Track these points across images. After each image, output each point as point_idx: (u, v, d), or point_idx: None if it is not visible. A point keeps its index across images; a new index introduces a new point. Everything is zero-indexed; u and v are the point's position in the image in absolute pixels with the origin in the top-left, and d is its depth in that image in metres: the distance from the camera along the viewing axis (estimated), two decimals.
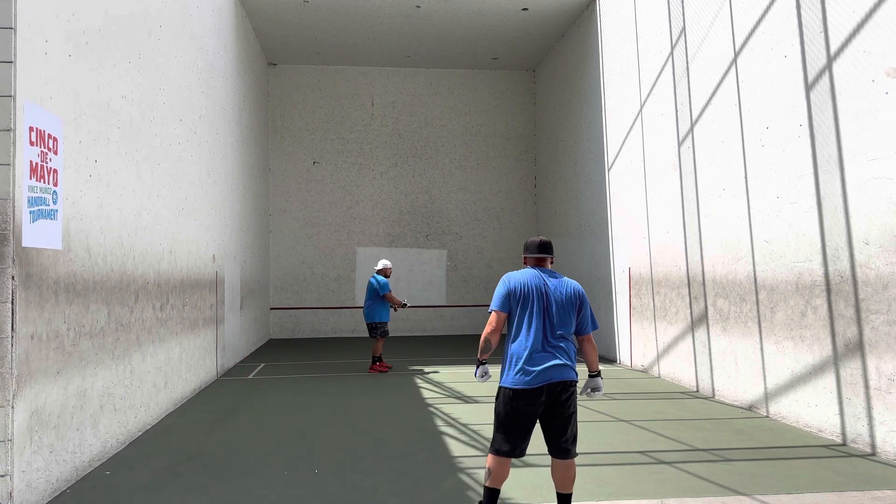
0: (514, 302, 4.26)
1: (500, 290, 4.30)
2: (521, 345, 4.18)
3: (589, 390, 4.48)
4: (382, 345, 11.73)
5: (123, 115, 6.79)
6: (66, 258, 5.41)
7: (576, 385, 4.23)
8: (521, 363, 4.13)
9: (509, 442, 4.17)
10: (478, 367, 4.44)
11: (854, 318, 6.48)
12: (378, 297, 11.36)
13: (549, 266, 4.50)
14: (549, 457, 4.33)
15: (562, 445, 4.21)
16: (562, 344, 4.20)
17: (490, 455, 4.26)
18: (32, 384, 4.85)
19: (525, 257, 4.53)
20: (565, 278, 4.40)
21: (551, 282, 4.32)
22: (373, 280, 11.46)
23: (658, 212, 10.87)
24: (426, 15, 14.61)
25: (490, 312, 4.32)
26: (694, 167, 9.64)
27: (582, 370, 4.67)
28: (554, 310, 4.22)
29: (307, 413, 8.32)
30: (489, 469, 4.24)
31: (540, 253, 4.47)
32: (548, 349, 4.15)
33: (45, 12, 5.14)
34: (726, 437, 6.90)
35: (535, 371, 4.10)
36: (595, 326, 4.39)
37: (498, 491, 4.28)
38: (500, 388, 4.24)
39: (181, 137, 9.00)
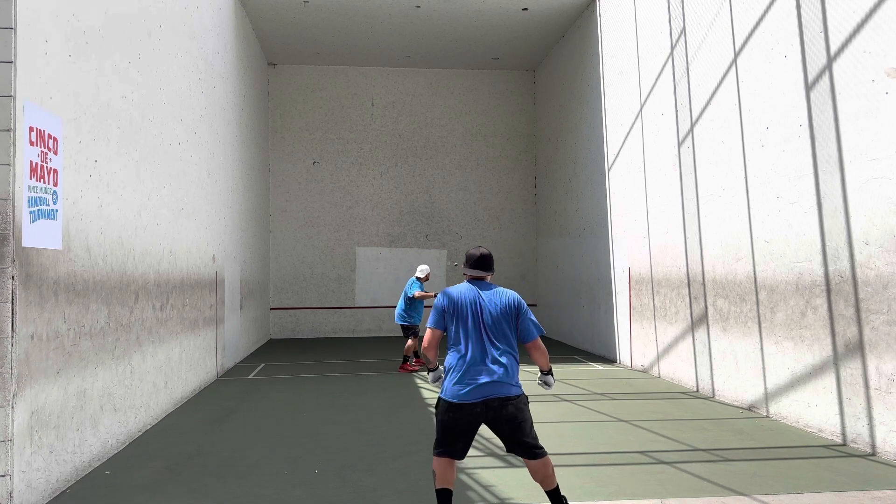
0: (450, 318, 4.29)
1: (435, 307, 4.35)
2: (457, 358, 4.20)
3: (541, 383, 4.56)
4: (413, 345, 11.83)
5: (123, 115, 6.79)
6: (66, 258, 5.41)
7: (518, 398, 4.20)
8: (457, 375, 4.16)
9: (447, 444, 4.22)
10: (430, 373, 4.48)
11: (854, 318, 6.48)
12: (409, 299, 11.63)
13: (488, 281, 4.50)
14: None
15: (526, 449, 4.23)
16: (501, 357, 4.19)
17: (434, 457, 4.30)
18: (32, 384, 4.85)
19: (464, 271, 4.54)
20: (501, 289, 4.39)
21: (486, 294, 4.32)
22: (408, 285, 11.76)
23: (658, 212, 10.87)
24: (426, 15, 14.61)
25: (427, 329, 4.40)
26: (694, 167, 9.64)
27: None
28: (490, 323, 4.23)
29: (307, 413, 8.32)
30: (433, 471, 4.28)
31: (477, 270, 4.48)
32: (485, 363, 4.16)
33: (45, 12, 5.14)
34: (726, 437, 6.90)
35: (470, 386, 4.12)
36: (539, 332, 4.36)
37: (449, 491, 4.28)
38: (439, 397, 4.28)
39: (181, 137, 9.00)
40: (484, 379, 4.12)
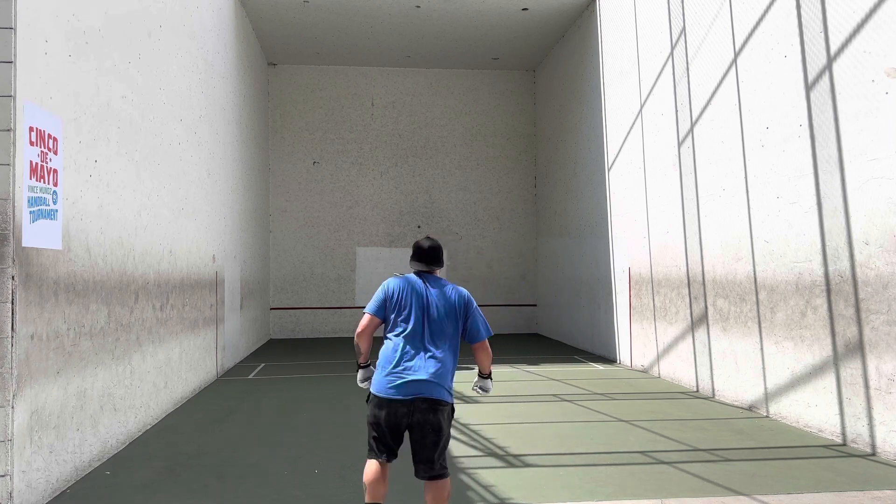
0: (392, 307, 3.98)
1: (377, 294, 4.05)
2: (393, 352, 3.90)
3: (477, 388, 4.27)
4: None
5: (123, 115, 6.79)
6: (66, 258, 5.41)
7: (447, 407, 3.91)
8: (389, 367, 3.86)
9: (377, 443, 3.93)
10: (358, 371, 4.17)
11: (854, 318, 6.48)
12: None
13: (438, 275, 4.17)
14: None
15: (430, 465, 3.87)
16: (439, 357, 3.89)
17: (366, 463, 3.99)
18: (32, 384, 4.85)
19: (411, 261, 4.19)
20: (451, 286, 4.08)
21: (434, 290, 4.01)
22: None
23: (658, 212, 10.87)
24: (426, 15, 14.61)
25: (364, 314, 4.07)
26: (694, 167, 9.64)
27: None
28: (433, 318, 3.93)
29: (307, 413, 8.32)
30: (364, 483, 3.94)
31: (423, 263, 4.12)
32: (422, 360, 3.86)
33: (45, 12, 5.14)
34: (726, 437, 6.90)
35: (401, 380, 3.82)
36: (487, 333, 4.06)
37: None
38: (369, 391, 3.99)
39: (181, 137, 9.00)
40: (417, 376, 3.82)
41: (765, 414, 7.89)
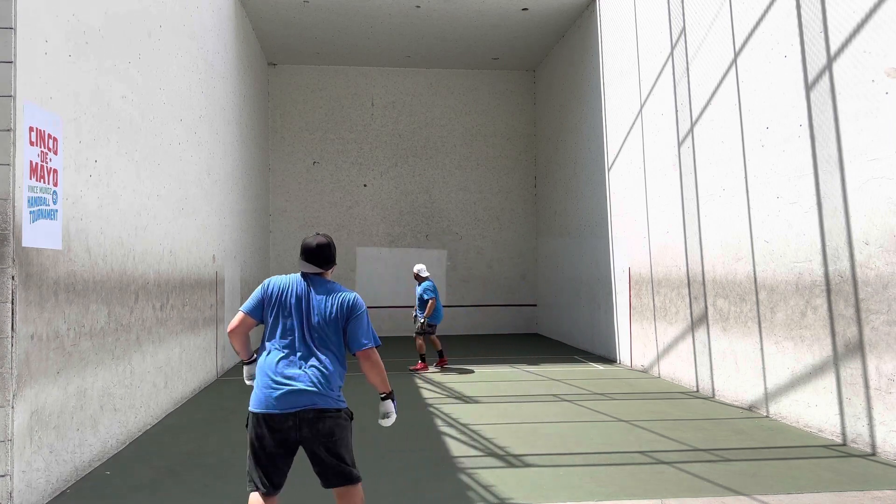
0: (269, 309, 3.64)
1: (255, 293, 3.73)
2: (270, 362, 3.55)
3: (381, 418, 3.80)
4: (422, 343, 11.76)
5: (123, 115, 6.79)
6: (66, 258, 5.41)
7: (338, 413, 3.53)
8: (267, 379, 3.52)
9: (258, 471, 3.61)
10: (244, 367, 4.00)
11: (854, 318, 6.48)
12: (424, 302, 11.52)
13: (327, 277, 3.82)
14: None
15: (334, 474, 3.55)
16: (322, 364, 3.52)
17: (249, 495, 3.64)
18: (32, 384, 4.85)
19: (299, 261, 3.82)
20: (339, 289, 3.71)
21: (318, 292, 3.65)
22: (422, 289, 11.58)
23: (658, 212, 10.87)
24: (426, 15, 14.61)
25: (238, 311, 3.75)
26: (694, 167, 9.64)
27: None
28: (314, 323, 3.57)
29: None
30: None
31: (311, 264, 3.75)
32: (302, 368, 3.50)
33: (45, 12, 5.14)
34: (726, 437, 6.90)
35: (281, 391, 3.46)
36: (371, 343, 3.65)
37: None
38: (249, 412, 3.64)
39: (181, 137, 9.00)
40: (298, 385, 3.45)
41: (765, 414, 7.89)
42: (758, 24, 8.03)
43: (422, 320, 11.48)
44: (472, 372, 11.40)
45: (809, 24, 7.13)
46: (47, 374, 5.07)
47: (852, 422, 6.55)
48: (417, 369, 11.52)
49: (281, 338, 3.58)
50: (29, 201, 4.82)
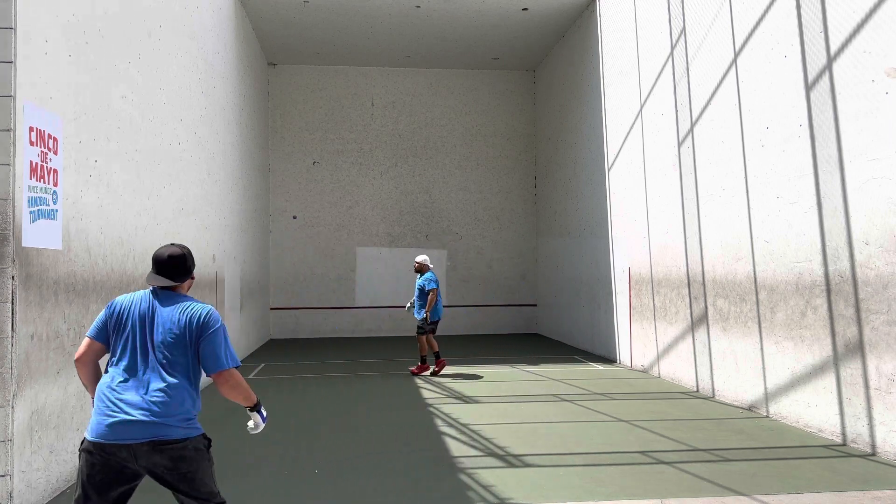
0: (112, 330, 3.27)
1: (99, 315, 3.35)
2: (108, 385, 3.17)
3: (249, 428, 3.61)
4: (424, 343, 11.25)
5: (123, 115, 6.79)
6: (66, 258, 5.41)
7: (184, 442, 3.20)
8: (101, 405, 3.13)
9: None
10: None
11: (854, 318, 6.48)
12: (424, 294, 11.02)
13: (181, 292, 3.43)
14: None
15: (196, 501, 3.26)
16: (165, 390, 3.17)
17: None
18: (32, 384, 4.85)
19: (147, 276, 3.44)
20: (190, 304, 3.31)
21: (165, 309, 3.27)
22: (424, 280, 11.08)
23: (658, 212, 10.87)
24: (426, 15, 14.61)
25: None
26: (694, 167, 9.64)
27: None
28: (157, 342, 3.22)
29: (307, 413, 8.32)
30: None
31: (162, 277, 3.36)
32: (140, 394, 3.14)
33: (45, 12, 5.15)
34: (726, 437, 6.90)
35: (114, 419, 3.08)
36: (228, 364, 3.34)
37: None
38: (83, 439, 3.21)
39: (181, 137, 9.01)
40: (133, 415, 3.08)
41: (765, 414, 7.89)
42: (758, 24, 8.03)
43: (423, 316, 10.95)
44: (480, 377, 11.39)
45: (809, 24, 7.13)
46: (47, 374, 5.07)
47: (852, 422, 6.55)
48: (417, 372, 11.20)
49: (121, 359, 3.22)
50: (29, 201, 4.82)
